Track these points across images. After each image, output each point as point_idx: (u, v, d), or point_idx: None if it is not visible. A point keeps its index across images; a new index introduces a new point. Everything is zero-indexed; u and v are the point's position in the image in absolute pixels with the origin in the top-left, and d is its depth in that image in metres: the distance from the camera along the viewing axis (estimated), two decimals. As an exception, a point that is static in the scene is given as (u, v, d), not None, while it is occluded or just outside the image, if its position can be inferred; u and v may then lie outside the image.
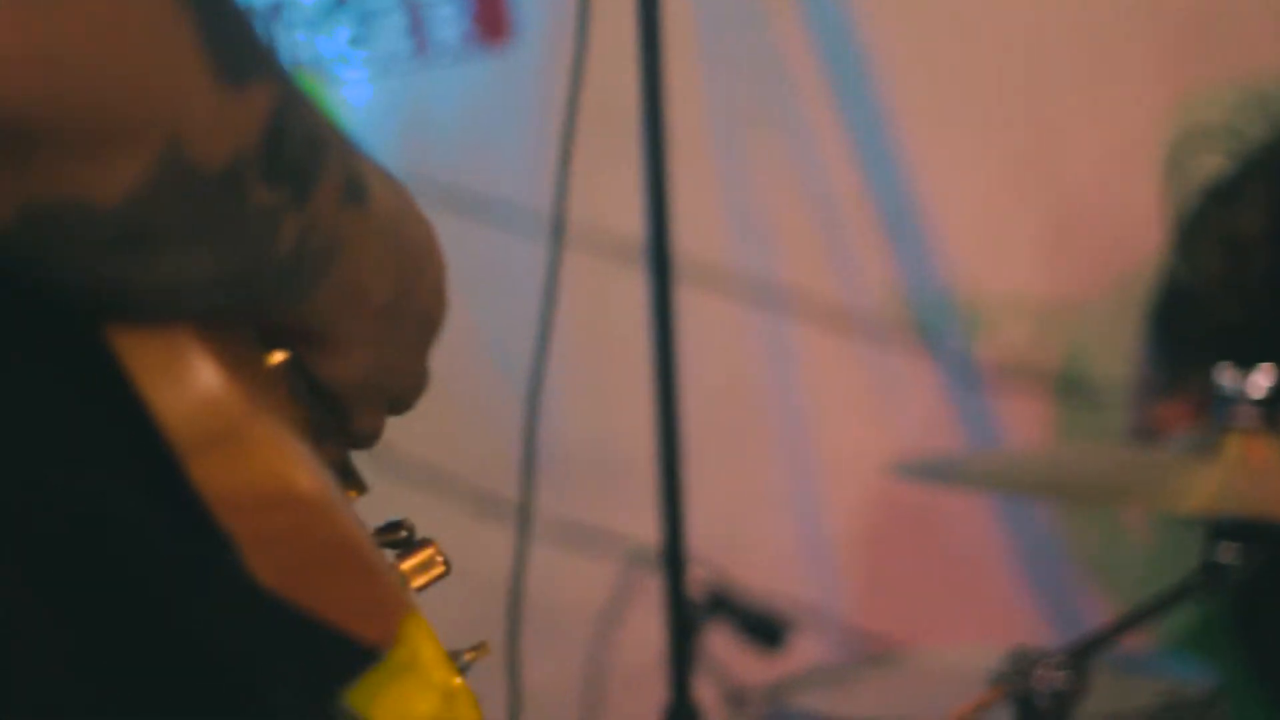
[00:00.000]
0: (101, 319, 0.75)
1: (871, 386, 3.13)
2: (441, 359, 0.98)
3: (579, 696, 2.87)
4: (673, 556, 2.08)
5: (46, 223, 0.68)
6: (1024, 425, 3.12)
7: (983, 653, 2.13)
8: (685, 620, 2.09)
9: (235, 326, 0.82)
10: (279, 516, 0.78)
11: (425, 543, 0.97)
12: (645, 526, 2.65)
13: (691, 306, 3.03)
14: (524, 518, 2.31)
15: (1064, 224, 3.09)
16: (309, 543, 0.79)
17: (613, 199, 2.86)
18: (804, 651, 2.89)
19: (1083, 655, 1.91)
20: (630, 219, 2.97)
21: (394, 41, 3.04)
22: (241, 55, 0.72)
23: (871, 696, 2.54)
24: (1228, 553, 1.91)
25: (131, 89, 0.67)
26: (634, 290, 2.82)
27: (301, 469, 0.79)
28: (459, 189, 2.96)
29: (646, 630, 2.58)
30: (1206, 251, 2.82)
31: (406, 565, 0.96)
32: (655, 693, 2.33)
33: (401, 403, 0.98)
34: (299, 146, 0.76)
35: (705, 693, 2.60)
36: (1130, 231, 3.02)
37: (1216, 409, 1.99)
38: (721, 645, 2.60)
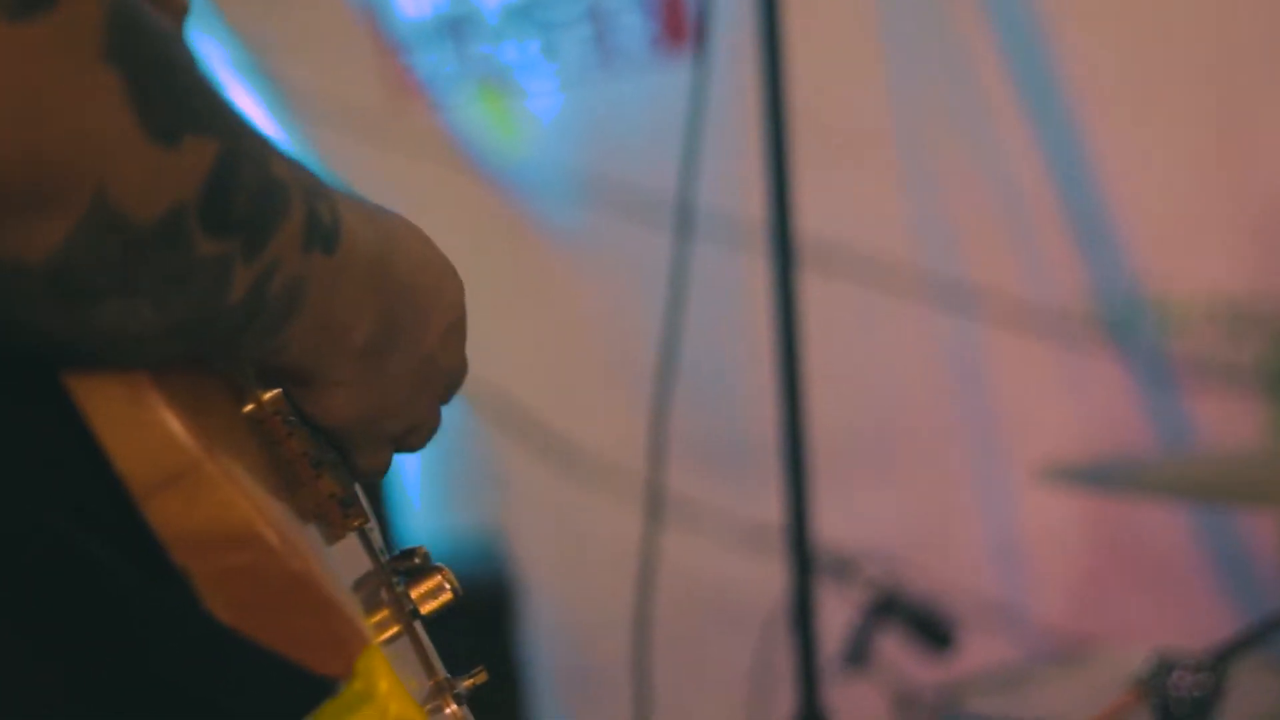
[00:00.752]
0: (59, 366, 0.78)
1: (1061, 386, 3.10)
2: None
3: (747, 696, 2.88)
4: (799, 551, 2.03)
5: None
6: (1222, 424, 3.06)
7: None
8: (810, 620, 2.04)
9: (204, 368, 0.84)
10: (233, 555, 0.80)
11: (435, 569, 1.00)
12: (827, 527, 2.66)
13: (878, 308, 3.04)
14: (655, 504, 2.34)
15: (1258, 216, 3.02)
16: (263, 580, 0.81)
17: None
18: (993, 651, 2.88)
19: (1223, 659, 1.87)
20: (818, 220, 2.99)
21: (580, 52, 3.08)
22: (178, 112, 0.73)
23: (1048, 698, 2.52)
24: None
25: (55, 152, 0.69)
26: (816, 293, 2.85)
27: (256, 509, 0.81)
28: (645, 195, 3.00)
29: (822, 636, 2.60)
30: None
31: (415, 591, 0.99)
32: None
33: (407, 444, 1.00)
34: (248, 197, 0.78)
35: (875, 696, 2.61)
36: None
37: None
38: (893, 647, 2.60)
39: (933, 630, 2.55)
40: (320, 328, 0.86)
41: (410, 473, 3.14)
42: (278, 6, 3.08)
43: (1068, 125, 3.04)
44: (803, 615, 2.01)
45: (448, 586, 0.99)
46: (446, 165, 3.09)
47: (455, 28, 3.08)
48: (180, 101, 0.74)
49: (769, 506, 2.95)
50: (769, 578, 2.85)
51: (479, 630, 2.91)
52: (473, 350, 3.34)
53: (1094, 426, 3.08)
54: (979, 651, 2.78)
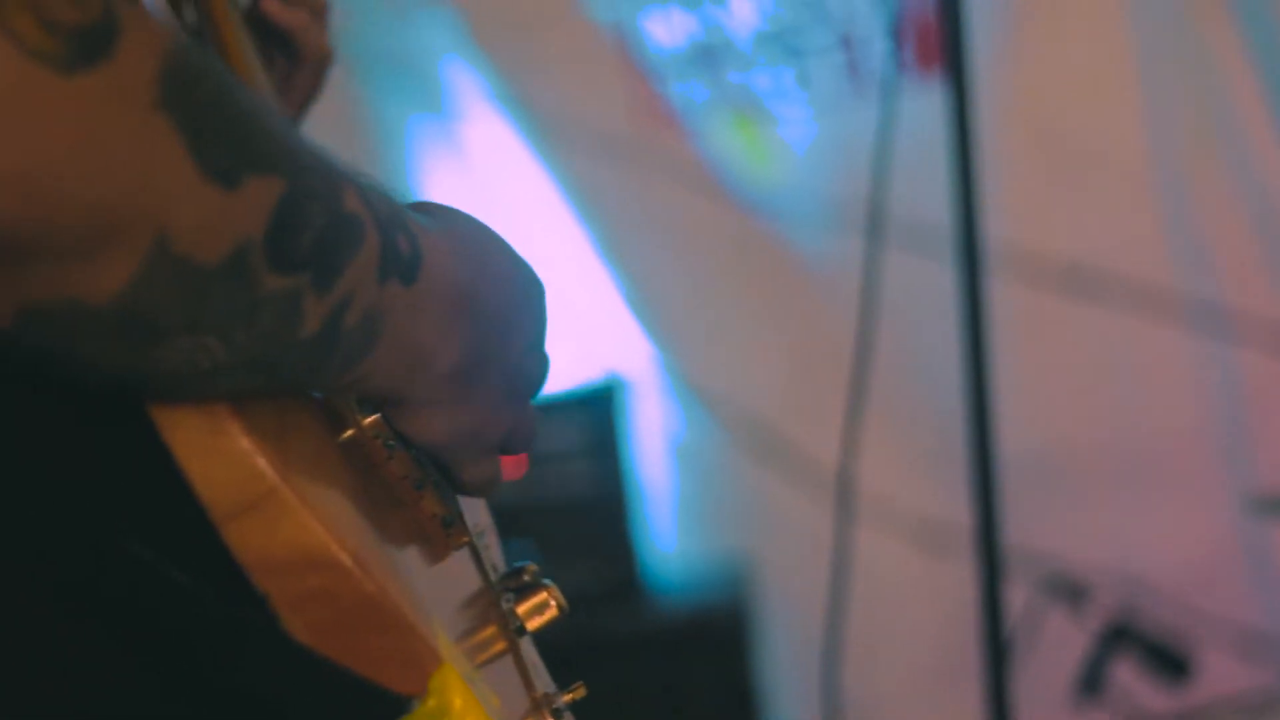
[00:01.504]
0: (140, 397, 0.81)
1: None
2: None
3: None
4: (989, 562, 1.96)
5: (42, 321, 0.74)
6: None
7: None
8: (1000, 641, 1.98)
9: (288, 395, 0.87)
10: (309, 578, 0.83)
11: (542, 586, 1.03)
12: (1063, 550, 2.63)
13: (1130, 328, 3.01)
14: (844, 510, 2.33)
15: None
16: (339, 601, 0.84)
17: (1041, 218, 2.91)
18: (1237, 678, 2.83)
19: None
20: (1071, 241, 2.99)
21: (833, 78, 3.10)
22: (237, 155, 0.75)
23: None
24: None
25: (113, 199, 0.71)
26: (1061, 313, 2.84)
27: (332, 532, 0.83)
28: (900, 221, 3.00)
29: (1055, 662, 2.58)
30: None
31: (522, 608, 1.03)
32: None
33: (510, 448, 1.01)
34: (317, 233, 0.79)
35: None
36: None
37: None
38: (1129, 675, 2.57)
39: (1169, 658, 2.51)
40: (404, 354, 0.88)
41: (660, 499, 3.18)
42: (532, 35, 3.14)
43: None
44: (993, 636, 1.96)
45: (553, 603, 1.02)
46: (699, 192, 3.12)
47: (708, 55, 3.12)
48: (239, 144, 0.76)
49: (1029, 531, 2.93)
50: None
51: (720, 655, 2.93)
52: (727, 375, 3.38)
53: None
54: (1221, 678, 2.74)
